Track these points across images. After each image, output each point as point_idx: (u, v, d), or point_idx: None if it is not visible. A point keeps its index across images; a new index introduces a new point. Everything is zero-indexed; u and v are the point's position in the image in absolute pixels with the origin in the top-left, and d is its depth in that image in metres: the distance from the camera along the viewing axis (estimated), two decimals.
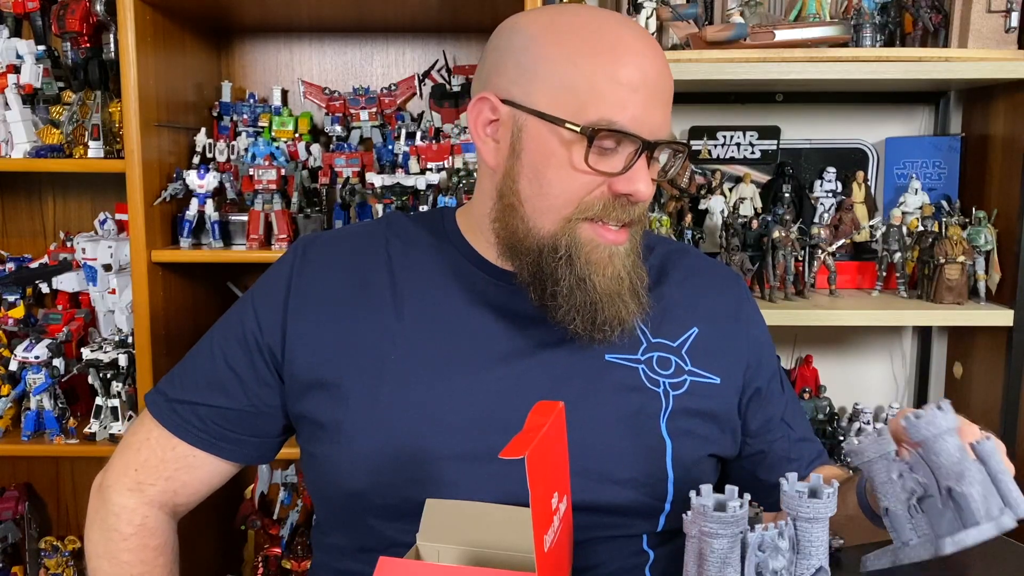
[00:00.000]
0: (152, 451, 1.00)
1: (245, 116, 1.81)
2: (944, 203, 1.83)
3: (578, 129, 0.85)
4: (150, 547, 0.99)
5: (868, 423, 1.83)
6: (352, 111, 1.82)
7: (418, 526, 0.87)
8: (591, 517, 0.89)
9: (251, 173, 1.67)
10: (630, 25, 0.90)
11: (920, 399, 2.01)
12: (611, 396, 0.93)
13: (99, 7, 1.65)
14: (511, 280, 0.95)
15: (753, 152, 1.91)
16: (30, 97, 1.69)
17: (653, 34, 1.65)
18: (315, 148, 1.79)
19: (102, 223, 1.87)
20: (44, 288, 1.83)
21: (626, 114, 0.85)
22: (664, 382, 0.95)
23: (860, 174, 1.87)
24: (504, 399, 0.91)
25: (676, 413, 0.94)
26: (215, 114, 1.85)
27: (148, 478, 0.99)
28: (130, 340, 1.68)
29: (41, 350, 1.67)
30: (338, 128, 1.82)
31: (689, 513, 0.59)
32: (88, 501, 1.03)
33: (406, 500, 0.88)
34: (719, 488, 0.61)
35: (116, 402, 1.66)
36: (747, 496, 0.60)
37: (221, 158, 1.74)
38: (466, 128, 1.78)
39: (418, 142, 1.72)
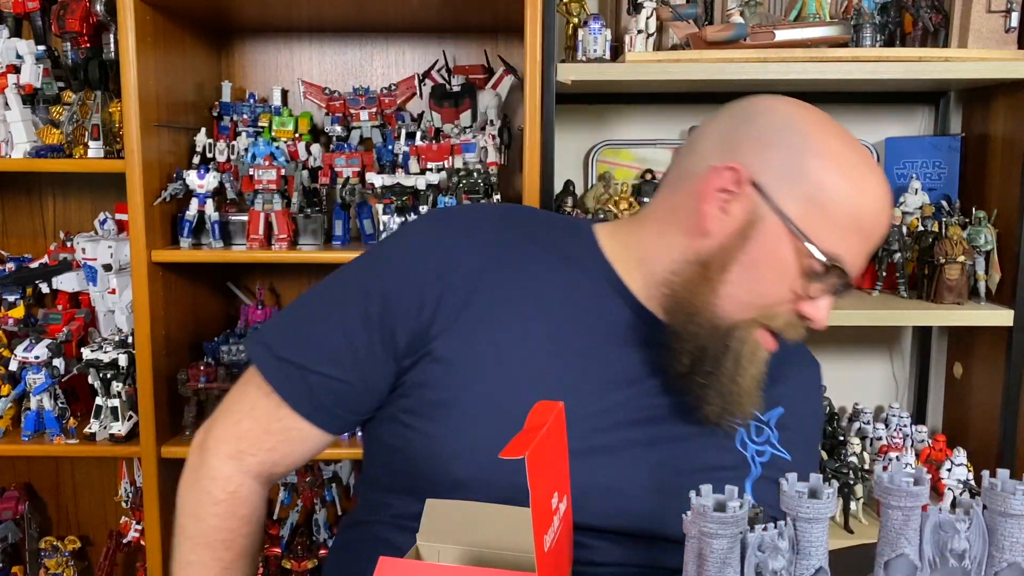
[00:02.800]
0: (256, 422, 0.96)
1: (245, 116, 1.81)
2: (944, 203, 1.83)
3: (823, 257, 0.86)
4: (238, 515, 0.98)
5: (868, 423, 1.83)
6: (352, 111, 1.82)
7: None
8: (662, 546, 0.90)
9: (251, 173, 1.67)
10: (880, 171, 0.92)
11: (920, 399, 2.01)
12: (709, 449, 0.94)
13: (99, 7, 1.65)
14: (646, 318, 0.95)
15: None
16: (30, 97, 1.69)
17: (652, 35, 1.66)
18: (315, 148, 1.79)
19: (102, 223, 1.87)
20: (44, 288, 1.83)
21: (852, 257, 0.88)
22: (753, 448, 0.96)
23: None
24: (612, 427, 0.91)
25: (760, 480, 0.96)
26: (215, 114, 1.85)
27: (249, 448, 0.96)
28: (130, 340, 1.68)
29: (41, 350, 1.68)
30: (338, 128, 1.82)
31: (689, 513, 0.59)
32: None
33: (506, 498, 0.87)
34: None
35: (116, 402, 1.66)
36: (747, 496, 0.60)
37: (221, 158, 1.74)
38: (466, 128, 1.78)
39: (418, 142, 1.72)
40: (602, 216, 1.78)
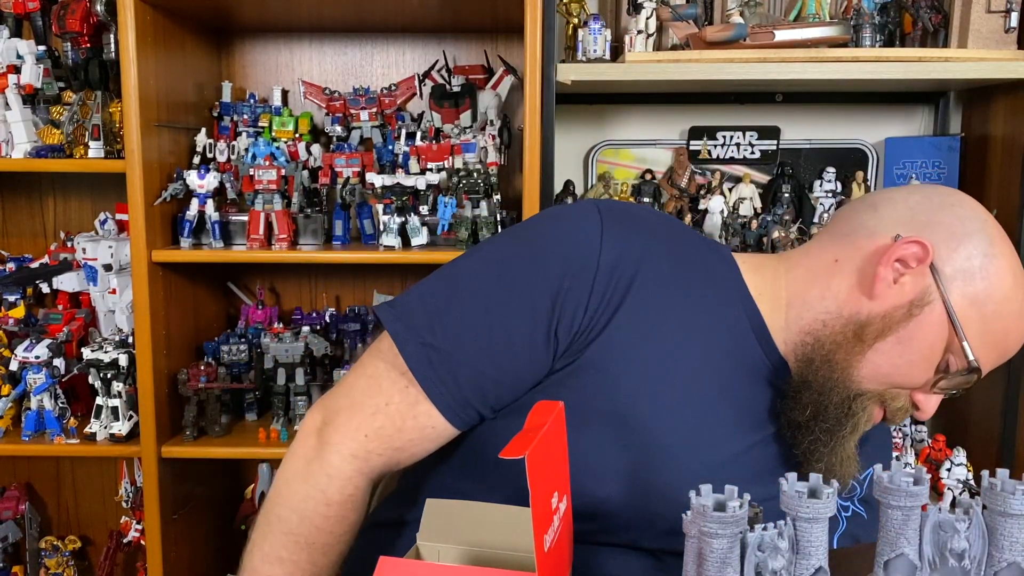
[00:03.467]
0: (390, 419, 0.88)
1: (245, 116, 1.82)
2: None
3: (972, 358, 0.86)
4: (348, 520, 0.90)
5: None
6: (352, 111, 1.82)
7: (616, 537, 0.87)
8: None
9: (251, 173, 1.67)
10: None
11: None
12: None
13: (99, 7, 1.65)
14: (776, 362, 0.94)
15: (753, 152, 1.92)
16: (30, 97, 1.69)
17: (652, 35, 1.66)
18: (315, 148, 1.79)
19: (102, 223, 1.87)
20: (44, 288, 1.83)
21: (986, 366, 0.88)
22: (839, 503, 0.97)
23: (860, 174, 1.87)
24: (723, 467, 0.90)
25: (844, 535, 0.97)
26: (215, 114, 1.85)
27: (378, 447, 0.88)
28: (130, 340, 1.68)
29: (41, 350, 1.68)
30: (338, 128, 1.82)
31: (689, 513, 0.59)
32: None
33: (606, 521, 0.87)
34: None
35: (117, 402, 1.66)
36: (747, 496, 0.60)
37: (221, 158, 1.74)
38: (466, 128, 1.79)
39: (418, 142, 1.72)
40: None
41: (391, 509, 1.02)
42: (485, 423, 0.92)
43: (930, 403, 0.91)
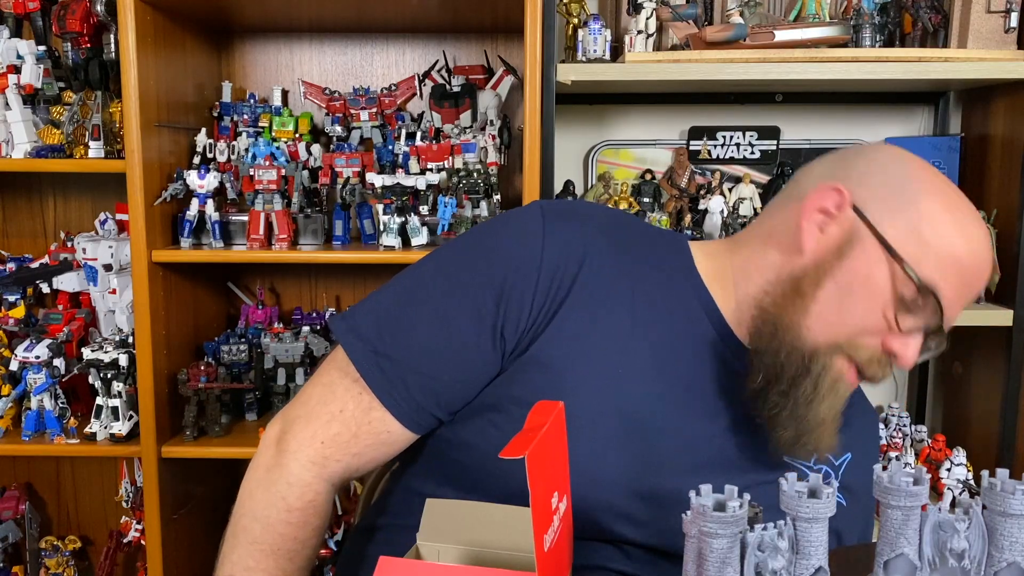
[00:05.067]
0: (345, 425, 0.90)
1: (245, 116, 1.82)
2: None
3: (916, 279, 0.84)
4: (311, 526, 0.92)
5: None
6: (352, 111, 1.82)
7: (591, 542, 0.86)
8: None
9: (251, 173, 1.67)
10: (983, 223, 0.92)
11: (920, 399, 2.01)
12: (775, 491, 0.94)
13: (99, 7, 1.66)
14: (732, 344, 0.94)
15: (753, 152, 1.92)
16: (31, 97, 1.69)
17: (652, 35, 1.66)
18: (315, 148, 1.79)
19: (103, 223, 1.87)
20: (45, 288, 1.83)
21: (948, 294, 0.86)
22: None
23: None
24: (684, 456, 0.90)
25: None
26: (215, 114, 1.85)
27: (335, 453, 0.90)
28: (131, 340, 1.68)
29: (42, 350, 1.68)
30: (338, 128, 1.82)
31: (688, 513, 0.59)
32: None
33: (584, 517, 0.85)
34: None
35: (117, 402, 1.66)
36: (747, 496, 0.60)
37: (221, 158, 1.74)
38: (466, 128, 1.79)
39: (418, 142, 1.72)
40: None
41: (366, 516, 1.04)
42: (444, 426, 0.93)
43: (908, 349, 0.87)
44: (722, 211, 1.82)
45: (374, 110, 1.81)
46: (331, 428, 0.90)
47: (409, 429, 0.91)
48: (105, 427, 1.67)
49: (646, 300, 0.92)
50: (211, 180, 1.66)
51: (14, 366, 1.69)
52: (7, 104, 1.65)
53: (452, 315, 0.89)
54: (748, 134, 1.91)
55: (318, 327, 1.84)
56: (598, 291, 0.90)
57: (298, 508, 0.90)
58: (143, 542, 1.76)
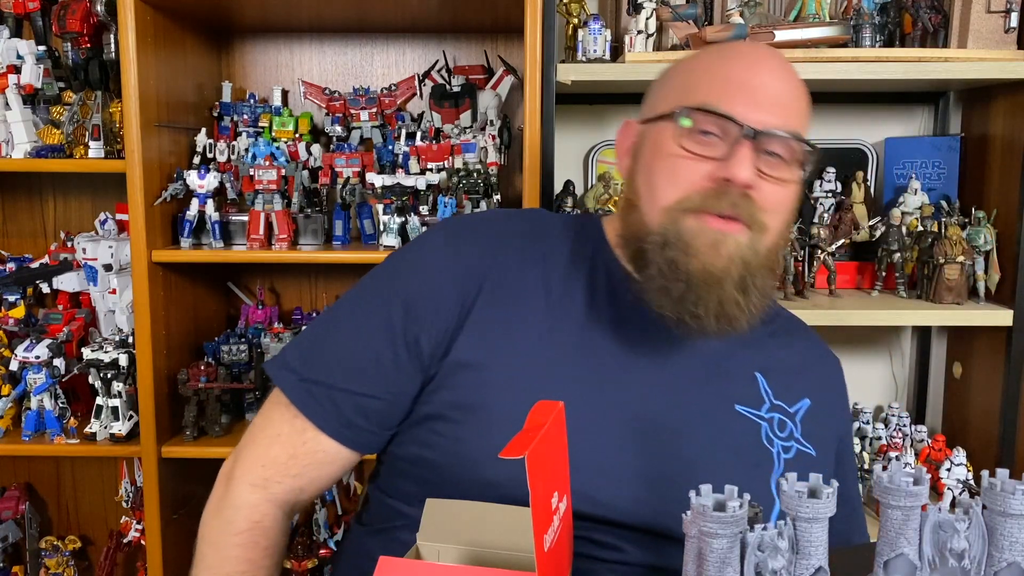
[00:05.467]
0: (283, 447, 0.96)
1: (245, 116, 1.82)
2: (944, 203, 1.83)
3: (681, 107, 0.90)
4: (260, 546, 0.95)
5: (868, 423, 1.83)
6: (352, 111, 1.82)
7: None
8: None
9: (251, 173, 1.67)
10: (756, 47, 0.97)
11: (920, 399, 2.02)
12: (736, 444, 0.94)
13: (99, 7, 1.66)
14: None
15: None
16: (31, 97, 1.69)
17: (652, 35, 1.66)
18: (315, 148, 1.79)
19: (102, 223, 1.87)
20: (45, 288, 1.83)
21: (724, 102, 0.89)
22: (778, 444, 0.97)
23: (860, 174, 1.87)
24: (639, 422, 0.92)
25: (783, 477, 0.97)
26: (215, 114, 1.85)
27: (275, 475, 0.96)
28: (131, 340, 1.68)
29: (42, 350, 1.68)
30: (338, 128, 1.82)
31: (688, 513, 0.59)
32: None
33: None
34: None
35: (117, 402, 1.66)
36: (747, 496, 0.60)
37: (221, 158, 1.74)
38: (466, 128, 1.79)
39: (418, 142, 1.72)
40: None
41: (354, 518, 1.08)
42: (394, 443, 0.98)
43: (731, 166, 0.88)
44: None
45: (374, 110, 1.81)
46: (270, 452, 0.96)
47: (345, 446, 0.95)
48: (105, 427, 1.67)
49: (559, 281, 0.96)
50: (211, 180, 1.66)
51: (14, 366, 1.69)
52: (7, 104, 1.65)
53: (366, 333, 0.94)
54: None
55: None
56: (507, 284, 0.95)
57: (245, 530, 0.94)
58: (143, 542, 1.76)
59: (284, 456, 0.95)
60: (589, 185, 1.95)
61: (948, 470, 1.69)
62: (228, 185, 1.71)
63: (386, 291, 0.96)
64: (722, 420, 0.95)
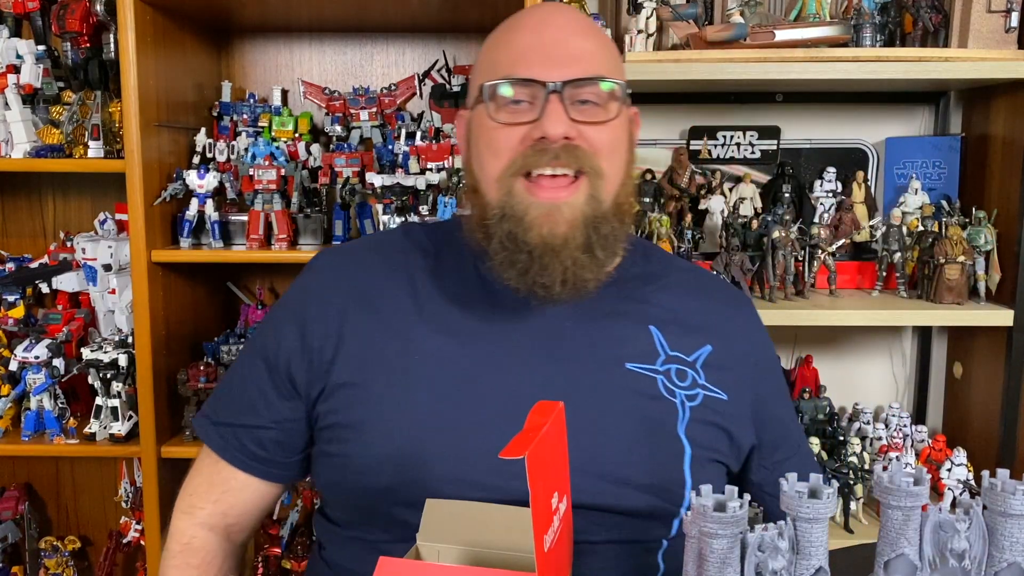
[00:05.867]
0: (203, 477, 1.07)
1: (245, 116, 1.81)
2: (944, 203, 1.83)
3: (479, 91, 0.95)
4: (191, 565, 1.04)
5: (868, 423, 1.83)
6: (352, 111, 1.82)
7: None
8: (608, 520, 0.91)
9: (251, 173, 1.67)
10: (544, 6, 1.00)
11: (920, 399, 2.01)
12: (630, 403, 0.95)
13: (99, 7, 1.65)
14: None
15: (753, 152, 1.92)
16: (30, 97, 1.69)
17: (652, 35, 1.66)
18: (315, 148, 1.79)
19: (102, 223, 1.87)
20: (44, 288, 1.83)
21: (520, 69, 0.93)
22: (680, 393, 0.98)
23: (860, 174, 1.87)
24: (526, 400, 0.91)
25: (693, 422, 0.97)
26: (215, 114, 1.85)
27: (199, 501, 1.06)
28: (130, 340, 1.68)
29: (41, 350, 1.67)
30: (338, 128, 1.82)
31: (689, 513, 0.59)
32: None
33: (433, 494, 0.88)
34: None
35: (116, 402, 1.66)
36: (747, 496, 0.60)
37: (221, 158, 1.74)
38: None
39: (418, 142, 1.72)
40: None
41: None
42: (314, 475, 1.04)
43: (542, 127, 0.91)
44: (722, 211, 1.82)
45: (374, 110, 1.81)
46: (194, 482, 1.08)
47: (257, 476, 1.04)
48: (104, 427, 1.67)
49: (426, 287, 1.01)
50: (211, 180, 1.66)
51: (14, 366, 1.69)
52: (7, 104, 1.65)
53: (252, 371, 1.03)
54: (748, 134, 1.91)
55: None
56: (373, 303, 1.00)
57: (178, 552, 1.05)
58: (143, 542, 1.76)
59: (205, 485, 1.06)
60: None
61: (948, 470, 1.69)
62: (228, 185, 1.71)
63: (266, 329, 1.06)
64: (614, 381, 0.96)
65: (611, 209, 0.95)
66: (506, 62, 0.94)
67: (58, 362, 1.69)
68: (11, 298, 1.77)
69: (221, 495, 1.05)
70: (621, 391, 0.95)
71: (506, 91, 0.93)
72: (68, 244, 1.87)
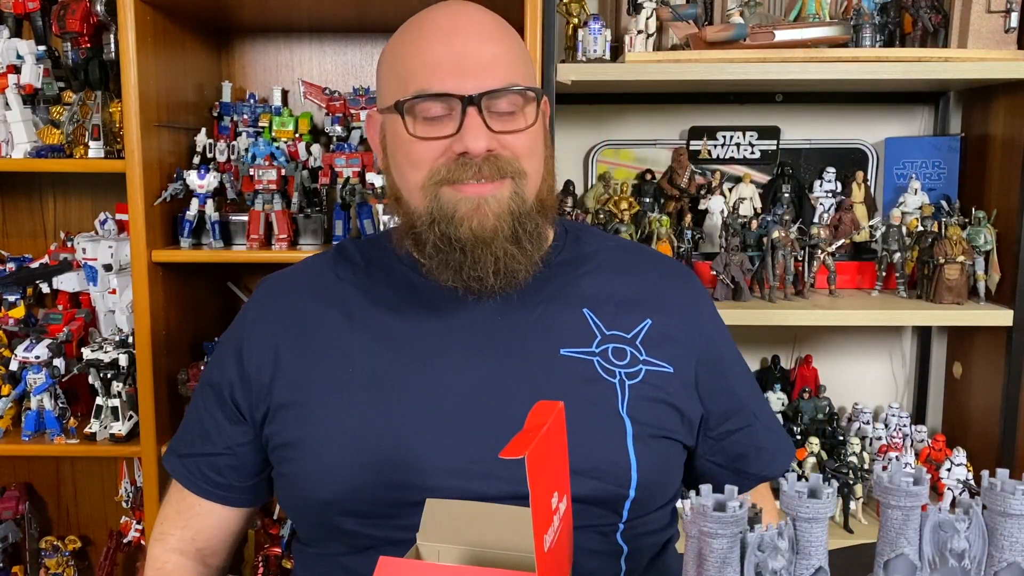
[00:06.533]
0: (171, 505, 1.11)
1: (245, 116, 1.81)
2: (944, 203, 1.83)
3: (394, 105, 0.94)
4: None
5: (868, 423, 1.83)
6: (352, 111, 1.82)
7: (394, 523, 0.91)
8: None
9: (251, 173, 1.67)
10: (450, 7, 0.99)
11: (920, 399, 2.02)
12: (566, 388, 0.96)
13: (99, 7, 1.65)
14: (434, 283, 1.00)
15: (753, 152, 1.92)
16: (30, 97, 1.69)
17: (652, 35, 1.66)
18: (315, 148, 1.79)
19: (102, 223, 1.87)
20: (44, 288, 1.83)
21: (435, 82, 0.92)
22: (620, 372, 0.98)
23: (860, 174, 1.87)
24: (462, 398, 0.95)
25: (633, 400, 0.97)
26: (215, 114, 1.85)
27: (168, 528, 1.10)
28: (130, 340, 1.68)
29: (41, 350, 1.68)
30: (338, 128, 1.82)
31: (689, 513, 0.59)
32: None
33: (376, 501, 0.93)
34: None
35: (116, 402, 1.66)
36: (747, 496, 0.60)
37: (221, 158, 1.74)
38: None
39: None
40: (601, 216, 1.78)
41: None
42: (277, 495, 1.07)
43: (463, 142, 0.92)
44: (722, 211, 1.82)
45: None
46: (164, 511, 1.12)
47: (218, 503, 1.08)
48: (105, 427, 1.67)
49: (359, 299, 1.02)
50: (211, 180, 1.66)
51: (14, 366, 1.69)
52: (7, 104, 1.65)
53: (204, 402, 1.07)
54: (748, 134, 1.91)
55: None
56: (307, 318, 1.02)
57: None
58: (143, 542, 1.76)
59: (172, 513, 1.10)
60: (589, 185, 1.95)
61: (948, 470, 1.69)
62: (228, 185, 1.71)
63: (213, 359, 1.10)
64: (548, 369, 0.97)
65: (535, 206, 0.98)
66: (420, 74, 0.93)
67: (58, 362, 1.69)
68: (11, 298, 1.77)
69: (188, 521, 1.09)
70: (556, 378, 0.97)
71: (422, 107, 0.93)
72: (68, 244, 1.87)
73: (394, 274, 1.04)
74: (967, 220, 1.74)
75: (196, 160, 1.73)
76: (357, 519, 0.94)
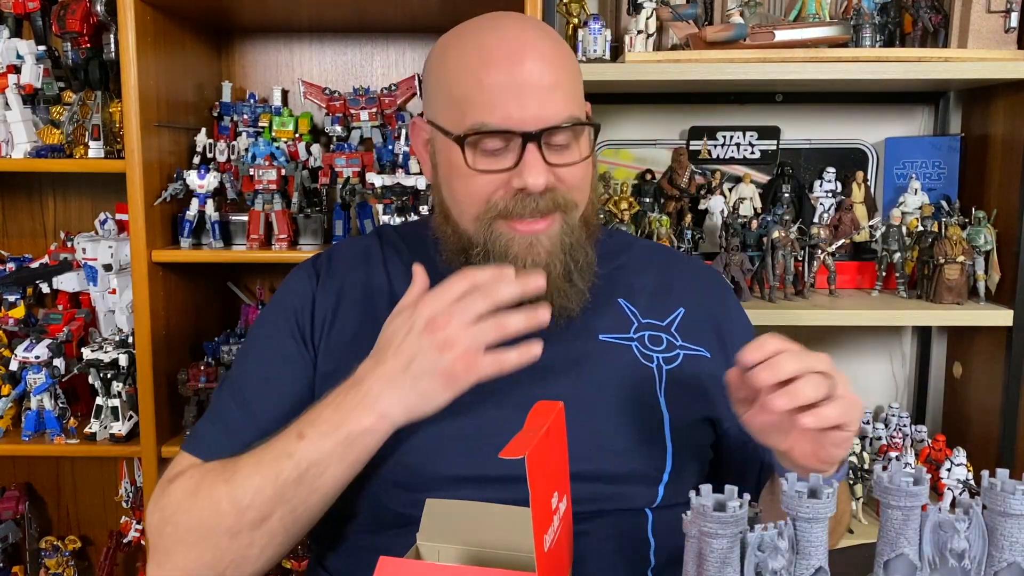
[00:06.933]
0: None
1: (245, 116, 1.81)
2: (944, 203, 1.83)
3: (453, 138, 0.93)
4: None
5: (868, 423, 1.83)
6: (352, 111, 1.82)
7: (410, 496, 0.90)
8: (591, 487, 0.92)
9: (251, 173, 1.67)
10: (510, 27, 0.95)
11: (920, 399, 2.02)
12: (607, 373, 0.98)
13: (99, 7, 1.65)
14: None
15: (753, 152, 1.92)
16: (30, 97, 1.69)
17: (652, 35, 1.66)
18: (315, 148, 1.79)
19: (102, 223, 1.87)
20: (44, 288, 1.83)
21: (496, 114, 0.91)
22: (657, 357, 1.00)
23: (860, 174, 1.87)
24: (504, 386, 0.92)
25: (671, 385, 0.99)
26: (215, 114, 1.85)
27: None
28: (130, 340, 1.68)
29: (41, 350, 1.68)
30: (338, 128, 1.82)
31: (689, 513, 0.59)
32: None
33: (413, 475, 0.92)
34: (719, 487, 0.61)
35: (116, 402, 1.66)
36: (747, 496, 0.60)
37: (221, 158, 1.74)
38: None
39: None
40: (601, 216, 1.78)
41: None
42: None
43: (523, 178, 0.91)
44: (722, 211, 1.82)
45: (374, 110, 1.81)
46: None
47: None
48: (105, 427, 1.67)
49: (403, 286, 0.99)
50: (211, 180, 1.66)
51: (14, 366, 1.69)
52: (7, 104, 1.65)
53: (261, 351, 1.03)
54: (748, 134, 1.91)
55: None
56: (357, 299, 1.02)
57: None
58: (143, 542, 1.76)
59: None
60: None
61: (948, 470, 1.69)
62: (228, 185, 1.71)
63: (273, 312, 1.05)
64: (589, 353, 0.98)
65: (583, 232, 0.98)
66: (479, 103, 0.92)
67: (58, 362, 1.69)
68: (11, 298, 1.77)
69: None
70: (597, 362, 0.98)
71: (482, 143, 0.92)
72: (68, 244, 1.87)
73: (434, 261, 1.01)
74: (967, 220, 1.74)
75: (196, 160, 1.73)
76: (405, 492, 0.92)
